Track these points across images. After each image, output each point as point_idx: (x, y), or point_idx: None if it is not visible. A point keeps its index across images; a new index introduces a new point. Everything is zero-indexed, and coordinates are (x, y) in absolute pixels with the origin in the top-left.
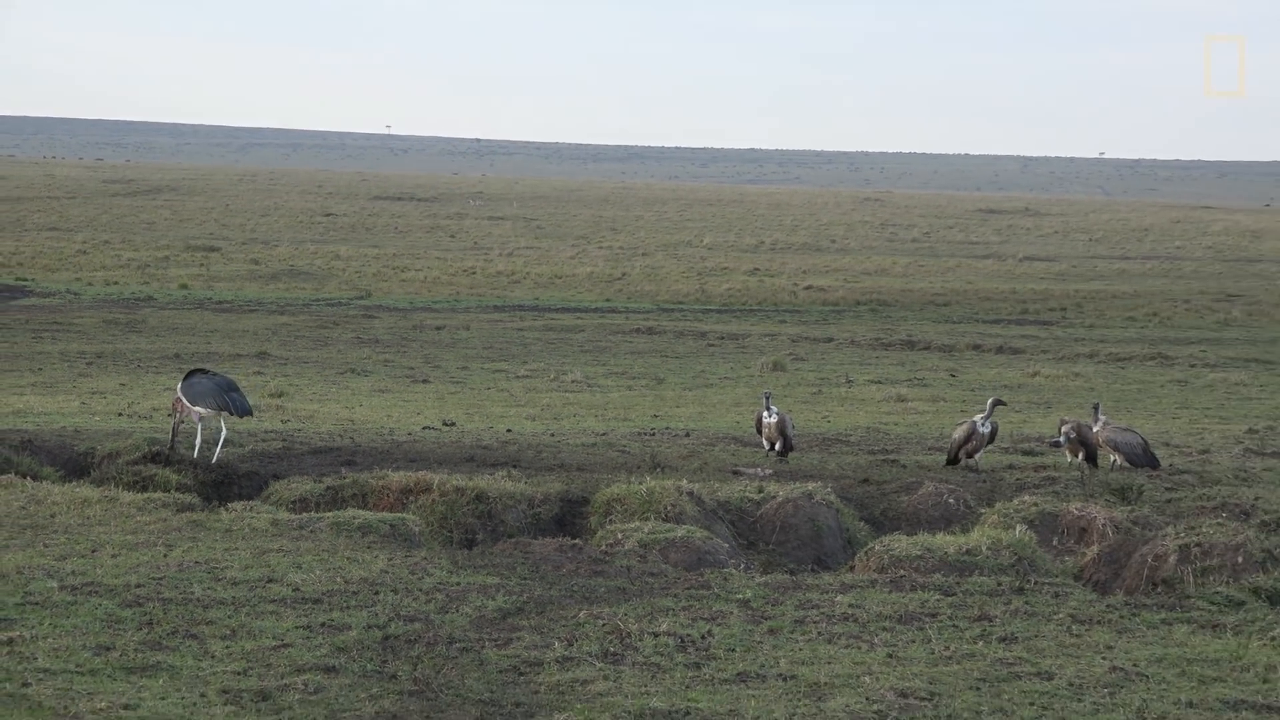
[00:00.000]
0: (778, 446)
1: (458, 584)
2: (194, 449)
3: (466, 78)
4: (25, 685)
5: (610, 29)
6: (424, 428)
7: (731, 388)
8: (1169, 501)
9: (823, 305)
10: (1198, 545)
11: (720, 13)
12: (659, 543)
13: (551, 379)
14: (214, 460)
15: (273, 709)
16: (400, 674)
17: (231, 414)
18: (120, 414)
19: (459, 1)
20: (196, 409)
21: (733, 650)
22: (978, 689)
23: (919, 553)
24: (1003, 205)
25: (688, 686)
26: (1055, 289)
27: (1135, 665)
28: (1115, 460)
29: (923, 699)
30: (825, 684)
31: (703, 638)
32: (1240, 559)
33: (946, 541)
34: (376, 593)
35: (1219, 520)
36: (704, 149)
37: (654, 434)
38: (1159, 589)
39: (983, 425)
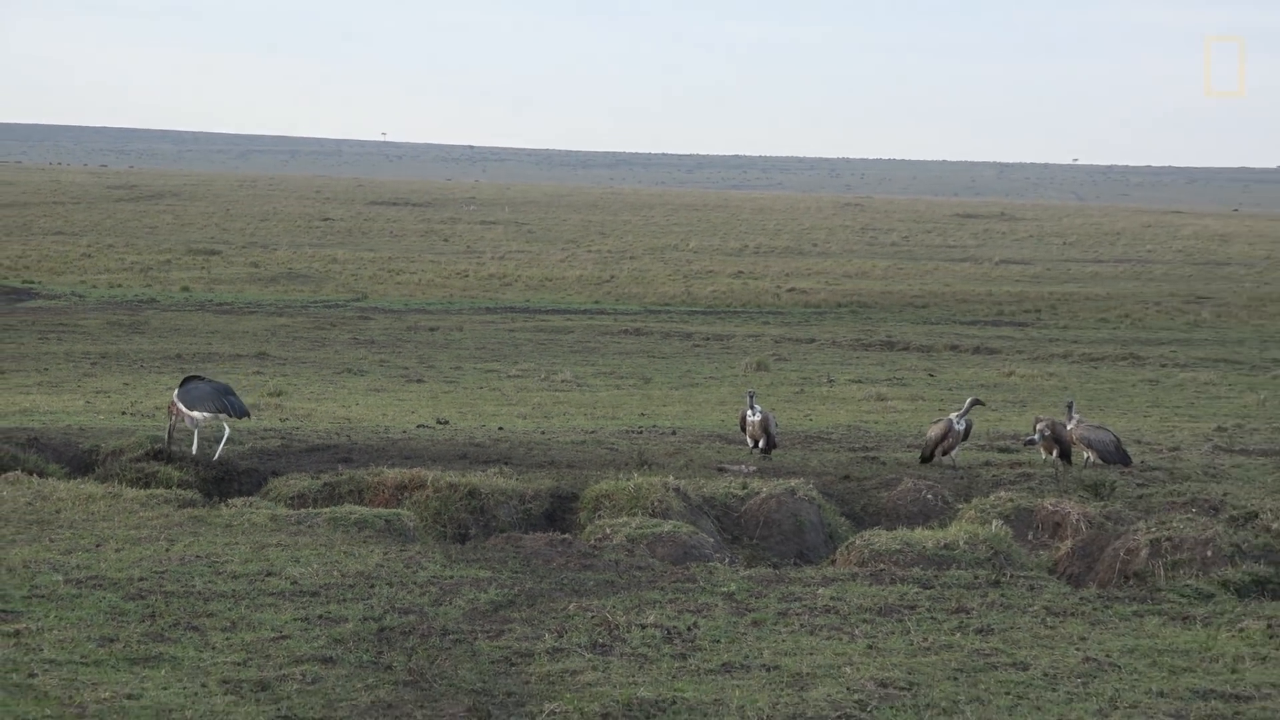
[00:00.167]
0: (761, 444)
1: (451, 577)
2: (192, 447)
3: (460, 87)
4: (32, 675)
5: (598, 41)
6: (418, 426)
7: (716, 387)
8: (1140, 497)
9: (805, 307)
10: (1168, 540)
11: (705, 24)
12: (646, 537)
13: (542, 378)
14: (215, 458)
15: (271, 699)
16: (395, 665)
17: (230, 416)
18: (124, 412)
19: (453, 14)
20: (195, 413)
21: (718, 641)
22: (955, 679)
23: (898, 547)
24: (979, 210)
25: (674, 677)
26: (1030, 291)
27: (1108, 656)
28: (1088, 457)
29: (902, 689)
30: (807, 674)
31: (689, 629)
32: (1209, 553)
33: (925, 536)
34: (372, 586)
35: (1189, 515)
36: (689, 155)
37: (641, 432)
38: (1131, 582)
39: (958, 423)
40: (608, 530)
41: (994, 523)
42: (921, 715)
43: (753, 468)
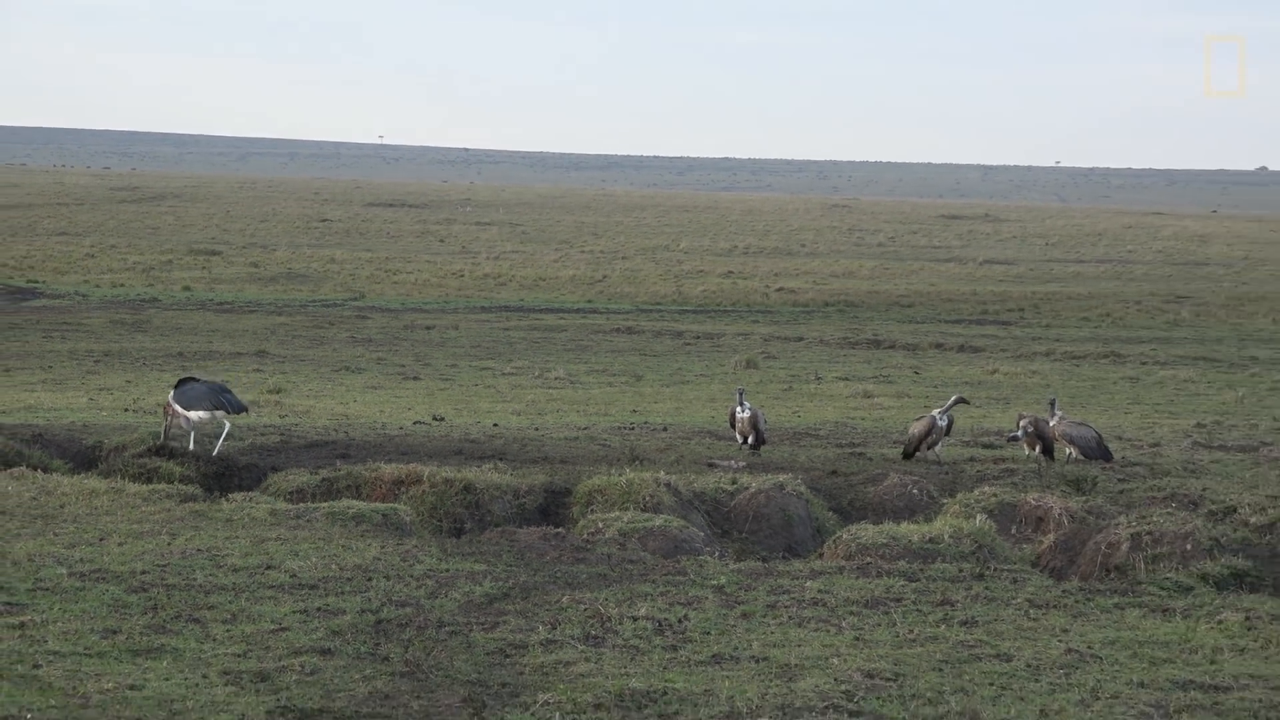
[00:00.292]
0: (750, 440)
1: (447, 570)
2: (190, 444)
3: (455, 91)
4: (36, 667)
5: (590, 46)
6: (415, 422)
7: (707, 384)
8: (1121, 492)
9: (793, 306)
10: (1148, 534)
11: (696, 30)
12: (638, 531)
13: (536, 376)
14: (214, 453)
15: (271, 689)
16: (392, 656)
17: (229, 413)
18: (126, 409)
19: (448, 19)
20: (192, 414)
21: (708, 633)
22: (940, 670)
23: (884, 541)
24: (964, 211)
25: (665, 668)
26: (1014, 291)
27: (1089, 647)
28: (1070, 453)
29: (888, 679)
30: (796, 665)
31: (679, 621)
32: (1189, 546)
33: (910, 530)
34: (369, 579)
35: (1169, 510)
36: (680, 158)
37: (633, 428)
38: (1112, 575)
39: (941, 419)
40: (600, 525)
41: (978, 517)
42: (907, 705)
43: (742, 463)
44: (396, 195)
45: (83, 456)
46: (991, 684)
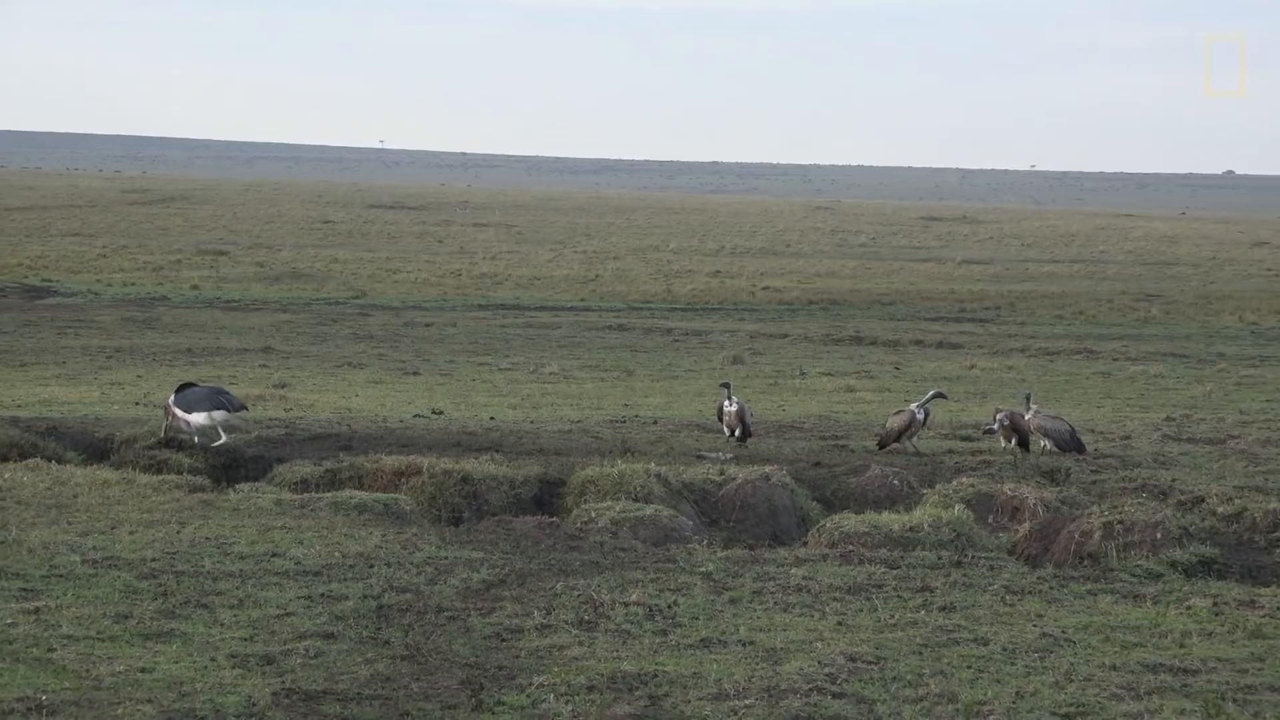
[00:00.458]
0: (737, 433)
1: (445, 558)
2: (192, 439)
3: (453, 97)
4: (50, 650)
5: (584, 53)
6: (415, 415)
7: (695, 379)
8: (1094, 483)
9: (778, 304)
10: (1120, 523)
11: (685, 37)
12: (629, 520)
13: (531, 371)
14: (218, 445)
15: (276, 672)
16: (393, 640)
17: (230, 412)
18: (137, 403)
19: (448, 27)
20: (194, 416)
21: (696, 618)
22: (920, 653)
23: (866, 530)
24: (943, 213)
25: (655, 651)
26: (990, 289)
27: (1063, 632)
28: (1045, 445)
29: (870, 662)
30: (781, 649)
31: (669, 607)
32: (1159, 535)
33: (891, 519)
34: (371, 566)
35: (1140, 500)
36: (670, 162)
37: (624, 421)
38: (1085, 562)
39: (919, 412)
40: (593, 514)
41: (956, 507)
42: (888, 687)
43: (729, 455)
44: (397, 198)
45: (95, 448)
46: (969, 667)
